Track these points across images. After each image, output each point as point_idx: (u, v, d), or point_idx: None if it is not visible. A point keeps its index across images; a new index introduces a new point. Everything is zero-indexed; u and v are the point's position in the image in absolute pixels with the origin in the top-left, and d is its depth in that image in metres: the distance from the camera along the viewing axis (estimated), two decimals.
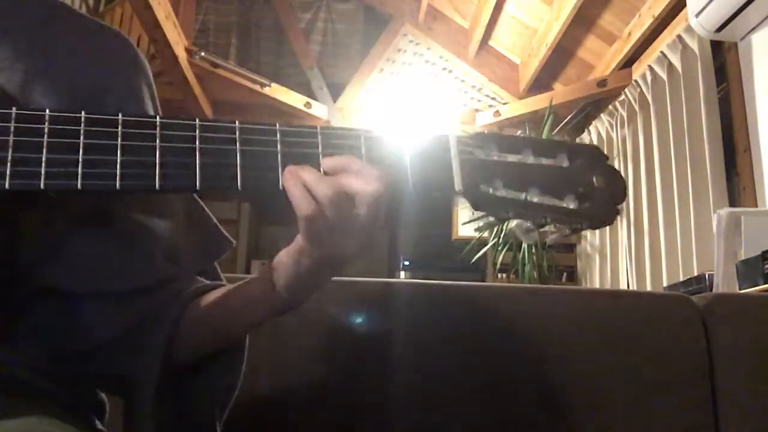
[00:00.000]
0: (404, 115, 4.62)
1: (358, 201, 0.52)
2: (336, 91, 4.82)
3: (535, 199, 0.58)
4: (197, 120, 0.53)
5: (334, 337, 0.91)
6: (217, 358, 0.63)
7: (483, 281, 4.35)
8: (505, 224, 3.76)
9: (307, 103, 4.52)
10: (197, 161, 0.52)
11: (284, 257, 0.57)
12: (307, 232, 0.53)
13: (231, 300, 0.62)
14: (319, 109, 4.57)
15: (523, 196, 0.57)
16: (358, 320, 0.91)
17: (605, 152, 0.62)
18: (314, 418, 0.88)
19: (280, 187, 0.53)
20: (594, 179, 0.59)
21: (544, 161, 0.59)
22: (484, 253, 3.95)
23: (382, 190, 0.53)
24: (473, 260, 3.85)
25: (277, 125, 0.55)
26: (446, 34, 4.75)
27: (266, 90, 4.37)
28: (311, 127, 0.56)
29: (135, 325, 0.60)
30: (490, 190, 0.57)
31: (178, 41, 3.88)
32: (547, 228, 0.59)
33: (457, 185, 0.56)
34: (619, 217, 3.57)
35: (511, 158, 0.58)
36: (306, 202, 0.52)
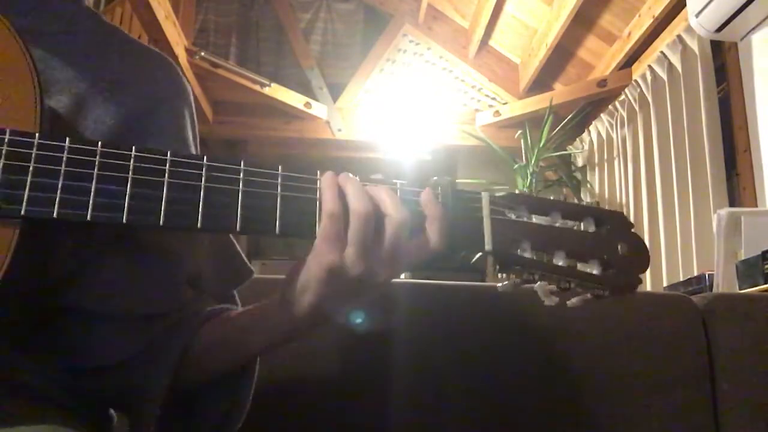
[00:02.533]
0: (404, 116, 4.62)
1: (387, 221, 0.53)
2: (336, 91, 4.82)
3: (561, 263, 0.59)
4: (242, 163, 0.54)
5: (333, 337, 0.91)
6: (224, 383, 0.63)
7: (483, 281, 4.35)
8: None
9: (307, 103, 4.52)
10: (239, 203, 0.53)
11: (300, 263, 0.56)
12: (325, 231, 0.52)
13: (242, 322, 0.62)
14: (319, 109, 4.57)
15: (549, 259, 0.59)
16: (358, 320, 0.91)
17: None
18: (314, 417, 0.87)
19: (317, 233, 0.54)
20: (619, 246, 0.60)
21: (572, 225, 0.60)
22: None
23: (410, 221, 0.54)
24: (473, 260, 3.85)
25: (318, 173, 0.56)
26: (446, 34, 4.75)
27: (266, 90, 4.37)
28: (344, 163, 0.56)
29: (150, 343, 0.60)
30: (518, 252, 0.58)
31: (178, 41, 3.89)
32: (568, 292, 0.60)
33: (488, 245, 0.57)
34: None
35: (540, 220, 0.60)
36: (333, 201, 0.53)
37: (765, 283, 1.59)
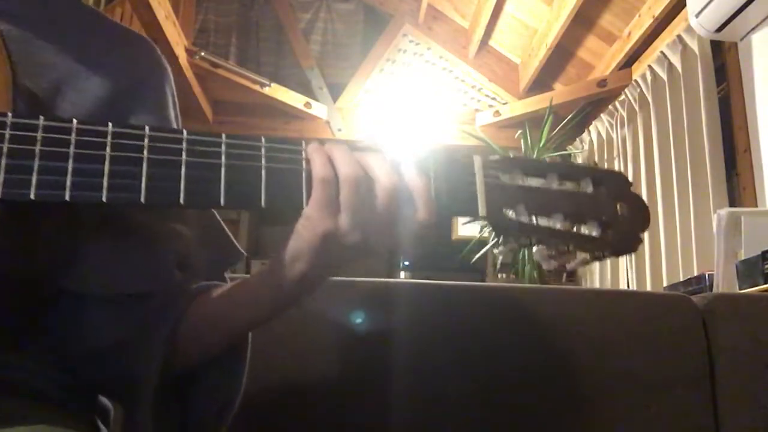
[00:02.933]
0: (404, 116, 4.62)
1: (376, 187, 0.52)
2: (336, 91, 4.82)
3: (558, 226, 0.57)
4: (224, 136, 0.53)
5: (333, 337, 0.91)
6: (217, 364, 0.63)
7: (483, 281, 4.34)
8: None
9: (307, 103, 4.52)
10: (222, 178, 0.51)
11: (289, 233, 0.55)
12: (317, 197, 0.52)
13: (234, 295, 0.62)
14: (319, 109, 4.57)
15: (546, 222, 0.57)
16: (358, 320, 0.91)
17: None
18: (314, 417, 0.87)
19: (304, 204, 0.53)
20: (618, 206, 0.59)
21: (568, 187, 0.59)
22: (484, 253, 3.95)
23: (401, 186, 0.53)
24: (473, 260, 3.85)
25: (303, 143, 0.55)
26: (446, 34, 4.75)
27: (266, 90, 4.37)
28: (339, 141, 0.56)
29: (139, 325, 0.60)
30: (514, 216, 0.56)
31: (178, 41, 3.89)
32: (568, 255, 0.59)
33: (481, 210, 0.56)
34: None
35: (536, 183, 0.58)
36: (324, 167, 0.52)
37: (765, 283, 1.59)
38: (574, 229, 0.58)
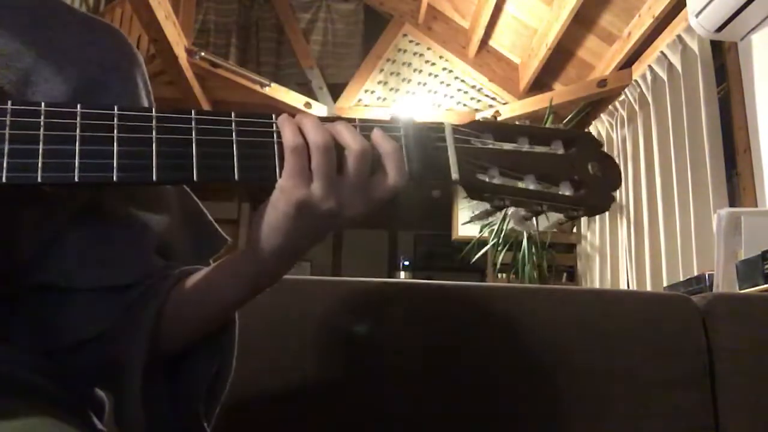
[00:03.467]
0: (404, 115, 4.61)
1: (347, 153, 0.53)
2: (336, 91, 4.83)
3: (531, 187, 0.58)
4: (193, 112, 0.53)
5: (333, 337, 0.91)
6: (204, 345, 0.62)
7: (483, 281, 4.35)
8: (505, 223, 3.77)
9: (307, 103, 4.52)
10: (194, 153, 0.52)
11: (264, 205, 0.56)
12: (290, 166, 0.52)
13: (215, 275, 0.61)
14: (319, 109, 4.57)
15: (518, 183, 0.58)
16: (358, 320, 0.91)
17: (593, 135, 0.62)
18: (314, 418, 0.87)
19: (277, 177, 0.53)
20: (589, 166, 0.60)
21: (540, 149, 0.59)
22: (484, 253, 3.95)
23: (372, 151, 0.53)
24: (473, 260, 3.85)
25: (273, 116, 0.55)
26: (446, 34, 4.75)
27: (266, 90, 4.37)
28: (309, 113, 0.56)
29: (124, 312, 0.60)
30: (486, 179, 0.57)
31: (178, 41, 3.88)
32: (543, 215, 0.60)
33: (454, 174, 0.56)
34: (619, 217, 3.57)
35: (507, 146, 0.58)
36: (294, 135, 0.52)
37: (765, 283, 1.59)
38: (547, 190, 0.58)
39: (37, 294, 0.59)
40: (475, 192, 0.57)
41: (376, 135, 0.55)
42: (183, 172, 0.51)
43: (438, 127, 0.58)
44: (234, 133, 0.53)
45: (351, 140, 0.53)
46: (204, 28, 4.98)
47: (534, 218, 0.60)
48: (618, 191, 3.72)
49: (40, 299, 0.59)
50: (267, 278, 0.59)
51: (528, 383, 0.92)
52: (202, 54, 4.19)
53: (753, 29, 2.47)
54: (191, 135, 0.52)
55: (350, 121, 0.56)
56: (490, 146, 0.58)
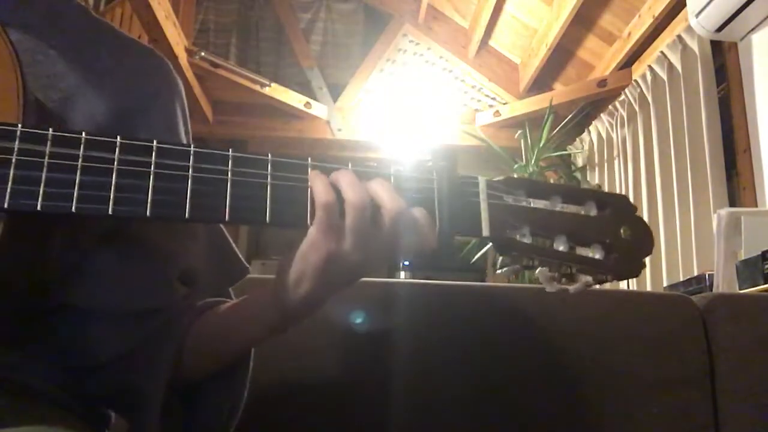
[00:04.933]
0: (404, 116, 4.62)
1: (383, 212, 0.53)
2: (336, 91, 4.83)
3: (561, 248, 0.57)
4: (230, 151, 0.53)
5: (334, 337, 0.91)
6: (221, 377, 0.63)
7: (483, 281, 4.35)
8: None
9: (307, 103, 4.52)
10: (227, 193, 0.52)
11: (291, 255, 0.56)
12: (321, 221, 0.52)
13: (239, 313, 0.62)
14: (319, 109, 4.58)
15: (549, 243, 0.57)
16: (358, 320, 0.91)
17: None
18: (314, 418, 0.87)
19: (308, 223, 0.53)
20: (621, 230, 0.59)
21: (572, 209, 0.59)
22: (484, 253, 3.95)
23: (407, 211, 0.53)
24: (473, 260, 3.85)
25: (309, 159, 0.55)
26: (446, 34, 4.75)
27: (266, 90, 4.37)
28: (342, 165, 0.56)
29: (144, 340, 0.60)
30: (517, 237, 0.57)
31: (178, 41, 3.89)
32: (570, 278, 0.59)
33: (485, 231, 0.56)
34: None
35: (539, 204, 0.58)
36: (326, 191, 0.52)
37: (765, 283, 1.59)
38: (578, 252, 0.58)
39: (59, 314, 0.59)
40: (506, 250, 0.57)
41: (412, 194, 0.55)
42: (216, 212, 0.52)
43: (472, 182, 0.58)
44: (269, 176, 0.53)
45: (388, 201, 0.53)
46: (204, 28, 4.97)
47: (562, 279, 0.59)
48: (618, 190, 3.73)
49: (62, 319, 0.59)
50: (288, 322, 0.60)
51: (528, 383, 0.92)
52: (202, 54, 4.19)
53: (753, 29, 2.47)
54: (227, 176, 0.52)
55: (385, 171, 0.56)
56: (523, 204, 0.58)
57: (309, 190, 0.54)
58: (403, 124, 4.59)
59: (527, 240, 0.57)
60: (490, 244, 0.59)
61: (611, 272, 0.58)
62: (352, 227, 0.52)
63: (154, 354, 0.59)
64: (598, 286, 0.60)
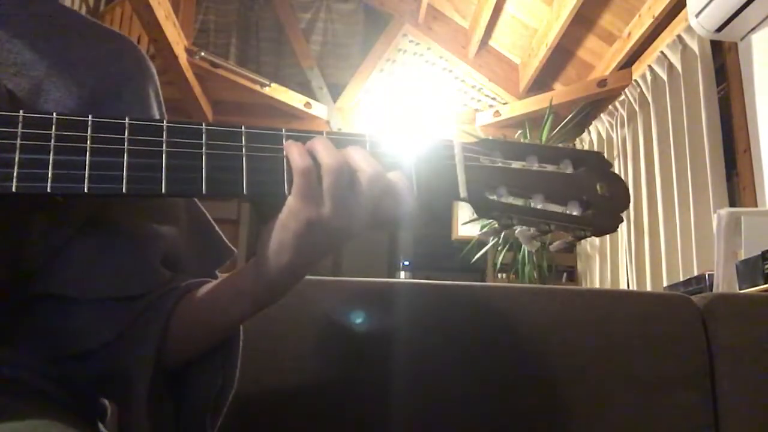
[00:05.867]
0: (404, 116, 4.62)
1: (359, 175, 0.53)
2: (336, 91, 4.83)
3: (539, 206, 0.58)
4: (204, 124, 0.53)
5: (333, 337, 0.91)
6: (209, 358, 0.63)
7: (483, 281, 4.35)
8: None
9: (307, 103, 4.52)
10: (203, 166, 0.52)
11: (271, 225, 0.56)
12: (299, 187, 0.53)
13: (222, 290, 0.62)
14: (319, 109, 4.58)
15: (527, 202, 0.58)
16: (358, 320, 0.91)
17: (605, 153, 0.62)
18: (314, 418, 0.87)
19: (286, 193, 0.53)
20: (598, 186, 0.60)
21: (549, 168, 0.60)
22: (484, 253, 3.95)
23: (383, 174, 0.54)
24: (473, 260, 3.85)
25: (283, 130, 0.55)
26: (446, 34, 4.75)
27: (266, 90, 4.38)
28: (317, 131, 0.56)
29: (129, 325, 0.60)
30: (495, 197, 0.57)
31: (178, 41, 3.89)
32: (550, 235, 0.59)
33: (462, 192, 0.56)
34: None
35: (516, 165, 0.59)
36: (302, 157, 0.53)
37: (765, 283, 1.59)
38: (555, 209, 0.58)
39: (44, 302, 0.59)
40: (484, 210, 0.57)
41: (388, 156, 0.56)
42: (192, 185, 0.52)
43: (447, 145, 0.58)
44: (243, 148, 0.53)
45: (364, 164, 0.54)
46: (204, 28, 4.97)
47: (542, 237, 0.60)
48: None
49: (47, 308, 0.59)
50: (273, 295, 0.60)
51: (528, 383, 0.92)
52: (202, 54, 4.20)
53: (753, 29, 2.47)
54: (201, 149, 0.52)
55: (360, 137, 0.56)
56: (499, 164, 0.58)
57: (285, 159, 0.54)
58: (403, 124, 4.59)
59: (505, 200, 0.57)
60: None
61: (590, 228, 0.59)
62: (330, 192, 0.53)
63: (140, 338, 0.59)
64: (579, 240, 0.60)
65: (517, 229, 0.59)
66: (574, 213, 0.59)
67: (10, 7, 0.62)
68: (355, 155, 0.54)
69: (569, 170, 0.60)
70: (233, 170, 0.53)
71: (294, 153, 0.53)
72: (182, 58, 3.99)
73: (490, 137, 0.61)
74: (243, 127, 0.54)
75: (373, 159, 0.54)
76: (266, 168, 0.54)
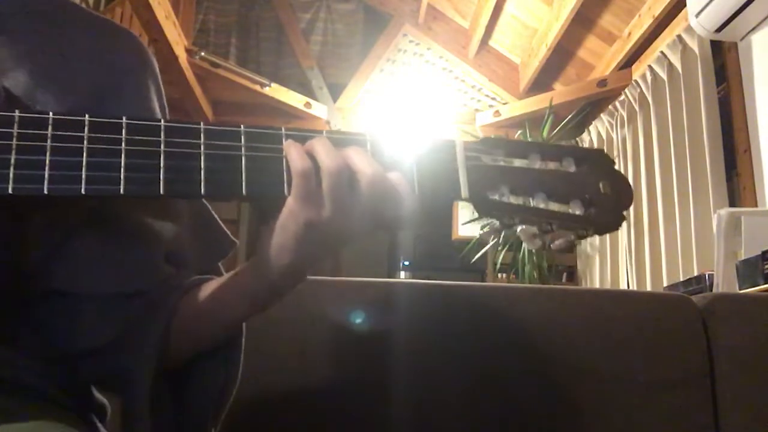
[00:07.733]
0: (404, 116, 4.62)
1: (359, 177, 0.53)
2: (336, 91, 4.83)
3: (541, 205, 0.57)
4: (202, 124, 0.52)
5: (334, 337, 0.91)
6: (212, 356, 0.63)
7: (483, 281, 4.35)
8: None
9: (307, 103, 4.52)
10: (202, 166, 0.51)
11: (271, 226, 0.56)
12: (299, 189, 0.52)
13: (224, 289, 0.62)
14: (319, 109, 4.57)
15: (529, 201, 0.57)
16: (358, 320, 0.91)
17: (606, 153, 0.62)
18: (314, 418, 0.87)
19: (285, 193, 0.53)
20: (600, 185, 0.59)
21: (551, 166, 0.59)
22: (484, 253, 3.95)
23: (384, 175, 0.53)
24: (473, 260, 3.85)
25: (283, 129, 0.54)
26: (446, 34, 4.76)
27: (266, 90, 4.37)
28: (317, 131, 0.56)
29: (131, 322, 0.60)
30: (497, 197, 0.57)
31: (178, 41, 3.88)
32: (552, 234, 0.59)
33: (464, 192, 0.56)
34: None
35: (518, 163, 0.58)
36: (301, 159, 0.52)
37: (765, 283, 1.59)
38: (558, 208, 0.58)
39: (45, 300, 0.58)
40: (486, 211, 0.57)
41: (389, 157, 0.55)
42: (190, 186, 0.51)
43: (449, 145, 0.57)
44: (243, 148, 0.53)
45: (364, 165, 0.53)
46: (204, 28, 4.97)
47: (544, 236, 0.59)
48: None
49: (49, 306, 0.59)
50: (273, 296, 0.60)
51: (528, 383, 0.92)
52: (202, 54, 4.19)
53: (753, 29, 2.47)
54: (199, 149, 0.51)
55: (360, 137, 0.56)
56: (501, 163, 0.58)
57: (284, 159, 0.53)
58: (403, 124, 4.59)
59: (506, 199, 0.57)
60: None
61: (592, 226, 0.58)
62: (330, 193, 0.52)
63: (142, 336, 0.59)
64: (581, 240, 0.60)
65: (519, 228, 0.58)
66: (577, 212, 0.58)
67: (8, 6, 0.61)
68: (355, 156, 0.53)
69: (572, 168, 0.59)
70: (232, 170, 0.52)
71: (293, 154, 0.53)
72: (182, 58, 3.98)
73: (492, 136, 0.61)
74: (242, 127, 0.53)
75: (374, 160, 0.54)
76: (266, 168, 0.53)
